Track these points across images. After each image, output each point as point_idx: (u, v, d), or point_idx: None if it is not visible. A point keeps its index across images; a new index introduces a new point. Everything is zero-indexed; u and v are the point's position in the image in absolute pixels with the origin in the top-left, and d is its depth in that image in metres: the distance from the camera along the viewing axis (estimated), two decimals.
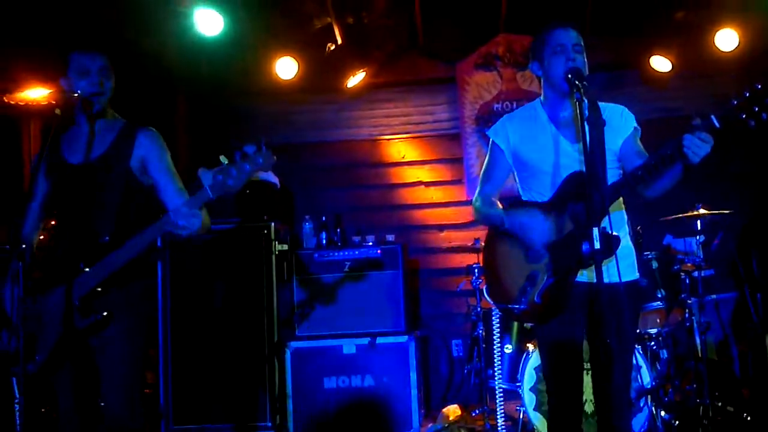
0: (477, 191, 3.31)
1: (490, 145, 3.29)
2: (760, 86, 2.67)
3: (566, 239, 2.96)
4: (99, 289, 2.94)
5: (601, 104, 3.13)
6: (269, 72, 6.26)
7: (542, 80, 3.19)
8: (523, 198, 3.21)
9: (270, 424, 5.31)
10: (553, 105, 3.15)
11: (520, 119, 3.24)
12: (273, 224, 5.51)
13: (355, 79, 6.50)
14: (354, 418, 5.35)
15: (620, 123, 3.12)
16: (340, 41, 6.25)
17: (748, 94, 2.68)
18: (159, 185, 3.17)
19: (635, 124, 3.15)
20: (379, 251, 5.62)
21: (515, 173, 3.27)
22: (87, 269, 2.94)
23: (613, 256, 2.79)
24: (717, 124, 2.69)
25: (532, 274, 3.01)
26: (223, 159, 2.80)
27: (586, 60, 3.09)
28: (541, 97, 3.23)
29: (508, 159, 3.22)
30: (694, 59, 6.17)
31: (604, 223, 2.72)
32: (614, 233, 2.82)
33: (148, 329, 3.22)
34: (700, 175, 3.19)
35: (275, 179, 5.97)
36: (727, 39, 5.91)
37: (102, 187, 3.08)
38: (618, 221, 3.07)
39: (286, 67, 6.25)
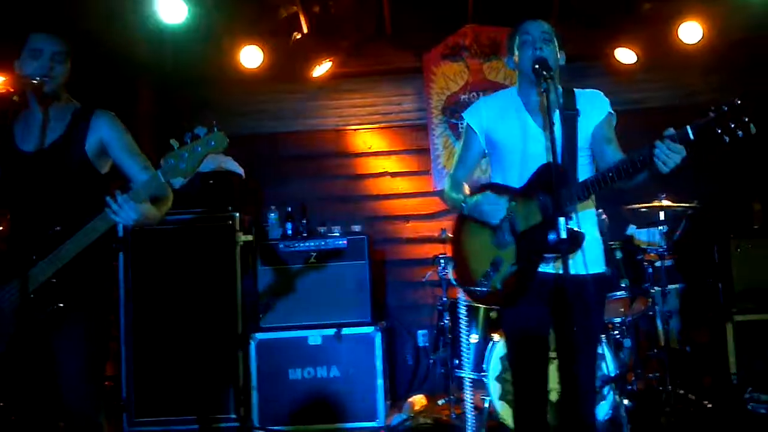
0: (450, 173, 3.35)
1: (464, 128, 3.33)
2: (739, 101, 2.52)
3: (533, 229, 2.97)
4: (54, 281, 2.87)
5: (576, 91, 3.15)
6: (234, 61, 6.18)
7: (517, 72, 3.21)
8: (492, 181, 3.22)
9: (234, 416, 5.28)
10: (526, 94, 3.17)
11: (495, 101, 3.28)
12: (237, 214, 5.46)
13: (321, 68, 6.46)
14: (319, 409, 5.32)
15: (594, 108, 3.13)
16: (306, 30, 6.19)
17: (726, 109, 2.53)
18: (123, 166, 3.10)
19: (610, 109, 3.15)
20: (344, 242, 5.59)
21: (488, 157, 3.30)
22: (41, 261, 2.87)
23: (579, 250, 2.80)
24: (692, 137, 2.59)
25: (497, 259, 3.04)
26: (173, 143, 2.76)
27: (557, 49, 3.11)
28: (517, 87, 3.25)
29: (481, 140, 3.25)
30: (659, 51, 6.23)
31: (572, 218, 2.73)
32: (580, 230, 2.83)
33: (108, 322, 3.16)
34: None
35: (240, 169, 5.91)
36: (691, 32, 5.97)
37: (56, 175, 2.99)
38: (587, 217, 3.08)
39: (251, 56, 6.18)
